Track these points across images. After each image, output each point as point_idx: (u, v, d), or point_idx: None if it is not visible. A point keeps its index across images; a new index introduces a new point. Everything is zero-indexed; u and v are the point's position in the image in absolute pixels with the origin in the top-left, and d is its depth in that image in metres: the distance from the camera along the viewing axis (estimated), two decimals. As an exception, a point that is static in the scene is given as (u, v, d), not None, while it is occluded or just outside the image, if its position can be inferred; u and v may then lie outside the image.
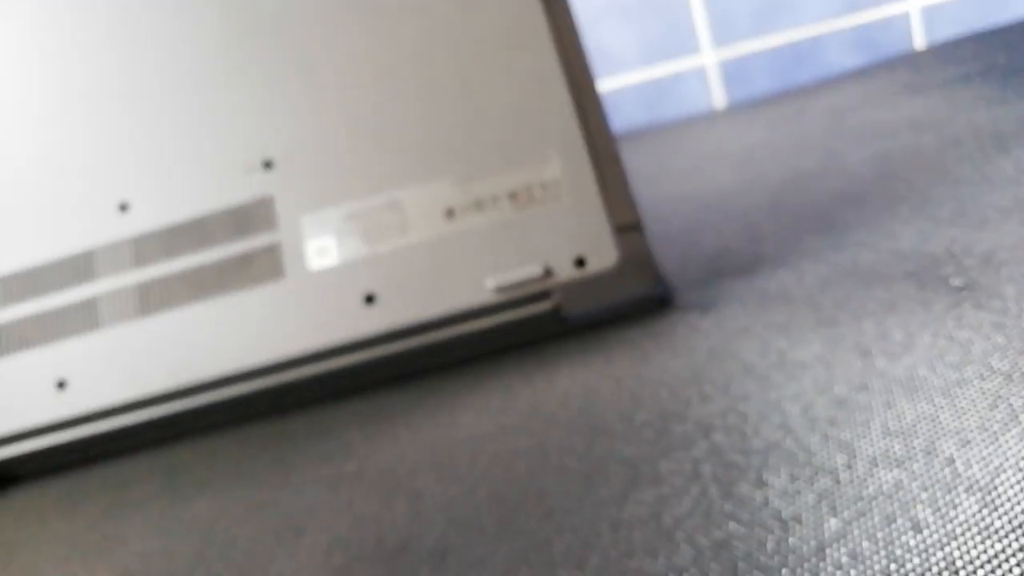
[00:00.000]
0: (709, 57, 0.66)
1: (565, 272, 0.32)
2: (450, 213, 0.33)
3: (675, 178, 0.52)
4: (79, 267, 0.35)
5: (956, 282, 0.28)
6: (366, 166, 0.35)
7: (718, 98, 0.67)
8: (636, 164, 0.57)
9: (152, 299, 0.34)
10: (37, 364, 0.34)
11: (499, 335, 0.32)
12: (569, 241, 0.32)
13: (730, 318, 0.30)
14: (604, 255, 0.32)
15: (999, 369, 0.23)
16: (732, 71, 0.66)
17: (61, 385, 0.34)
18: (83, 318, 0.35)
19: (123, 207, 0.36)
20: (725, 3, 0.64)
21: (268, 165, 0.35)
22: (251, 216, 0.35)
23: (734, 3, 0.65)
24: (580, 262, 0.32)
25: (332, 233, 0.34)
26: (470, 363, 0.33)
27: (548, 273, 0.32)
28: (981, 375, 0.23)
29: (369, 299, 0.33)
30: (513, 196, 0.33)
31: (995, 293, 0.26)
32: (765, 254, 0.35)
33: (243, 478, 0.29)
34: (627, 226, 0.32)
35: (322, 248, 0.34)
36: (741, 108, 0.65)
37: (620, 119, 0.68)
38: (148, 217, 0.36)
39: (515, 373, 0.31)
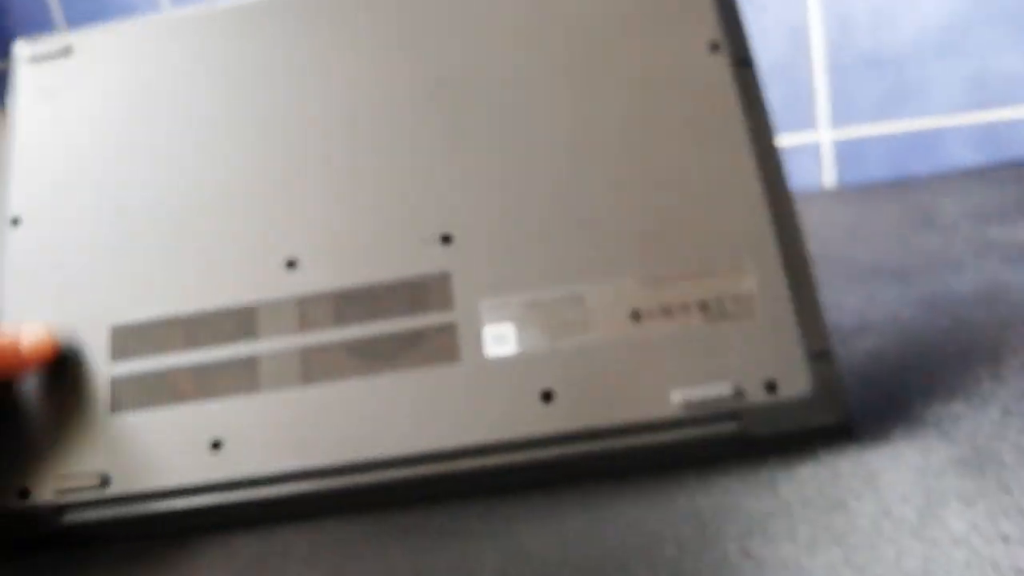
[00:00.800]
0: (826, 135, 0.66)
1: (755, 394, 0.31)
2: (636, 316, 0.32)
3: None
4: (241, 322, 0.34)
5: None
6: (550, 253, 0.34)
7: (828, 177, 0.66)
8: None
9: (316, 366, 0.33)
10: (192, 421, 0.33)
11: (678, 449, 0.31)
12: (760, 362, 0.31)
13: (922, 468, 0.29)
14: (796, 381, 0.31)
15: None
16: (847, 152, 0.65)
17: (216, 445, 0.33)
18: (243, 378, 0.34)
19: (291, 264, 0.35)
20: (850, 83, 0.63)
21: (447, 240, 0.34)
22: (427, 291, 0.34)
23: (859, 85, 0.65)
24: (771, 386, 0.31)
25: (511, 320, 0.33)
26: (646, 471, 0.32)
27: (738, 393, 0.31)
28: None
29: (547, 396, 0.32)
30: (704, 306, 0.32)
31: None
32: (943, 389, 0.34)
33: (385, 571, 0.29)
34: (820, 353, 0.31)
35: (500, 335, 0.33)
36: (853, 192, 0.64)
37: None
38: (316, 277, 0.35)
39: (698, 492, 0.30)
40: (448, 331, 0.33)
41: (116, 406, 0.34)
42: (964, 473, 0.29)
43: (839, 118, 0.65)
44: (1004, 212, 0.54)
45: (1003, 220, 0.52)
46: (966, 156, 0.65)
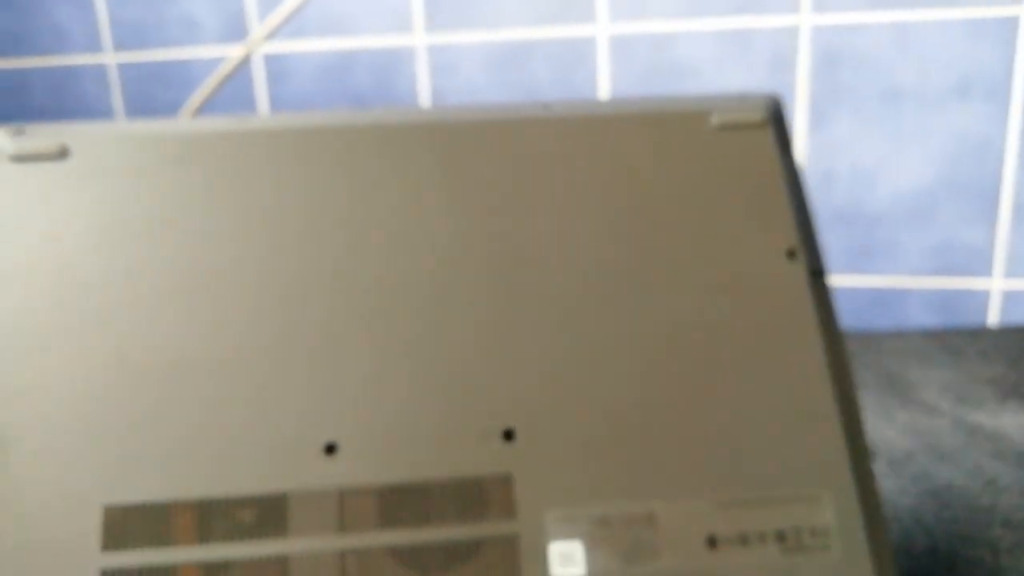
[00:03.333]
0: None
1: (831, 637, 0.30)
2: (712, 541, 0.31)
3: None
4: (269, 512, 0.30)
5: None
6: (623, 461, 0.31)
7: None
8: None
9: (356, 574, 0.29)
10: None
11: None
12: (837, 602, 0.30)
13: None
14: (872, 625, 0.30)
15: None
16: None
17: None
18: (269, 580, 0.29)
19: (330, 448, 0.31)
20: (825, 236, 0.65)
21: (509, 436, 0.31)
22: (486, 494, 0.31)
23: (833, 238, 0.67)
24: None
25: (579, 538, 0.30)
26: None
27: None
28: None
29: (617, 627, 0.29)
30: (781, 537, 0.31)
31: None
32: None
33: None
34: (894, 593, 0.31)
35: (567, 554, 0.30)
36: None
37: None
38: (358, 467, 0.31)
39: None
40: (510, 544, 0.30)
41: (105, 606, 0.29)
42: None
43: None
44: (982, 396, 0.56)
45: (983, 405, 0.54)
46: (925, 318, 0.68)
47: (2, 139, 0.35)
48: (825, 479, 0.32)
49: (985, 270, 0.64)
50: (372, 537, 0.30)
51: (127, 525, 0.30)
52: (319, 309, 0.33)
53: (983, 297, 0.67)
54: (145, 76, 0.75)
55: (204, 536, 0.30)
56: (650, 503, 0.31)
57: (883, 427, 0.52)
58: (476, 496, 0.31)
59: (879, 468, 0.47)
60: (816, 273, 0.35)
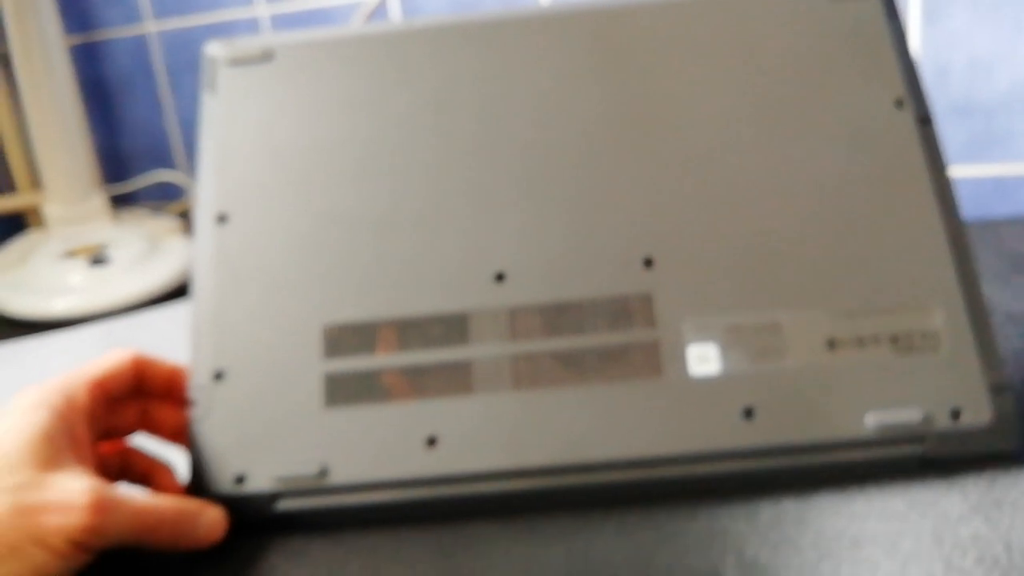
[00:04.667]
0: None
1: (941, 421, 0.34)
2: (831, 343, 0.35)
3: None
4: (455, 327, 0.37)
5: None
6: (748, 280, 0.36)
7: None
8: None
9: (526, 373, 0.36)
10: (407, 418, 0.36)
11: (869, 466, 0.34)
12: (946, 393, 0.34)
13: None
14: (979, 411, 0.34)
15: None
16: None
17: (432, 442, 0.35)
18: (456, 380, 0.36)
19: (499, 277, 0.37)
20: (942, 127, 0.67)
21: (648, 263, 0.37)
22: (630, 309, 0.36)
23: (950, 129, 0.68)
24: (955, 414, 0.34)
25: (713, 342, 0.36)
26: (825, 489, 0.35)
27: (927, 419, 0.34)
28: None
29: (748, 413, 0.34)
30: (894, 340, 0.35)
31: None
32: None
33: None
34: (1000, 386, 0.34)
35: (703, 355, 0.36)
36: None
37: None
38: (524, 291, 0.37)
39: (884, 502, 0.33)
40: (652, 347, 0.36)
41: (331, 401, 0.36)
42: None
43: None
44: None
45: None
46: (1047, 203, 0.68)
47: (216, 48, 0.43)
48: (934, 291, 0.36)
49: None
50: (538, 344, 0.36)
51: (342, 339, 0.37)
52: (489, 168, 0.39)
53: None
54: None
55: (402, 346, 0.37)
56: (775, 312, 0.36)
57: (999, 291, 0.54)
58: (622, 312, 0.36)
59: (997, 320, 0.49)
60: (923, 120, 0.38)
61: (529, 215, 0.38)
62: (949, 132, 0.68)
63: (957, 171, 0.69)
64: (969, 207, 0.68)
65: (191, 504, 0.34)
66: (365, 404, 0.36)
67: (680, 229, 0.37)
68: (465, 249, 0.38)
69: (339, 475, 0.35)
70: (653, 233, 0.37)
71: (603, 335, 0.36)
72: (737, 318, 0.36)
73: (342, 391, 0.36)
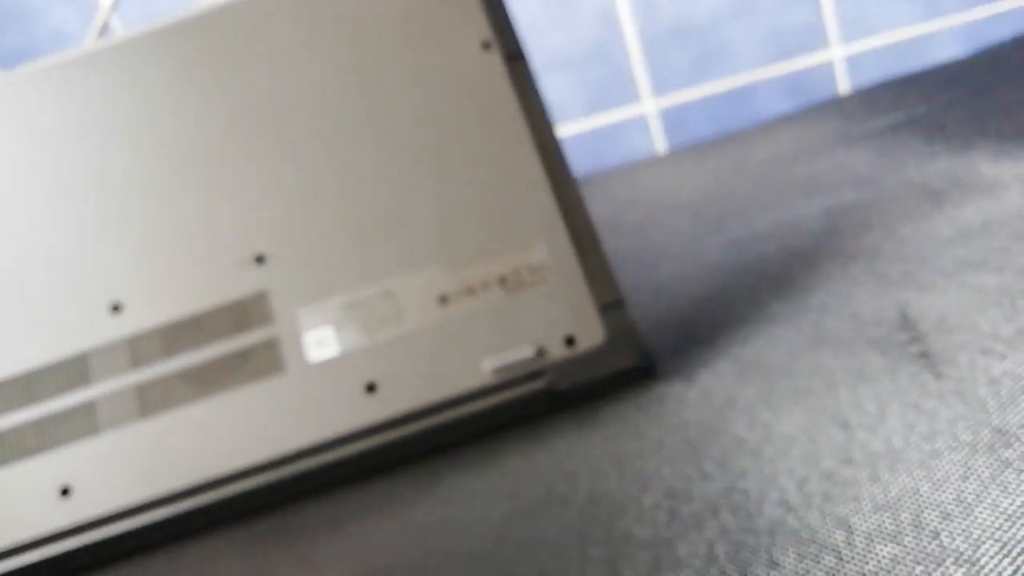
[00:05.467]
0: (650, 105, 0.70)
1: (556, 351, 0.34)
2: (444, 300, 0.35)
3: (631, 229, 0.55)
4: (74, 371, 0.36)
5: (914, 349, 0.31)
6: (357, 257, 0.36)
7: (660, 144, 0.70)
8: (589, 213, 0.60)
9: (152, 400, 0.35)
10: (39, 472, 0.34)
11: (496, 414, 0.34)
12: (558, 322, 0.34)
13: (715, 389, 0.33)
14: (592, 333, 0.34)
15: (965, 440, 0.25)
16: (672, 119, 0.70)
17: (65, 492, 0.34)
18: (83, 423, 0.35)
19: (115, 308, 0.36)
20: (663, 54, 0.68)
21: (260, 260, 0.36)
22: (247, 311, 0.36)
23: (672, 54, 0.69)
24: (570, 341, 0.34)
25: (330, 324, 0.35)
26: (471, 443, 0.35)
27: (540, 353, 0.34)
28: (950, 446, 0.25)
29: (370, 388, 0.34)
30: (503, 281, 0.35)
31: (950, 360, 0.30)
32: (735, 317, 0.38)
33: (259, 573, 0.30)
34: (611, 304, 0.35)
35: (320, 339, 0.35)
36: (682, 154, 0.68)
37: (570, 168, 0.71)
38: (141, 317, 0.36)
39: (518, 454, 0.33)
40: (271, 345, 0.35)
41: (-39, 474, 0.35)
42: (743, 384, 0.32)
43: (659, 88, 0.69)
44: (806, 151, 0.58)
45: (804, 159, 0.57)
46: (776, 105, 0.70)
47: None
48: (537, 226, 0.36)
49: (822, 43, 0.66)
50: (160, 368, 0.35)
51: None
52: (97, 198, 0.38)
53: (829, 69, 0.69)
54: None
55: (31, 400, 0.36)
56: (387, 282, 0.35)
57: (712, 199, 0.55)
58: (240, 315, 0.36)
59: (697, 229, 0.50)
60: (514, 57, 0.38)
61: (141, 238, 0.37)
62: (673, 59, 0.69)
63: (688, 95, 0.70)
64: (708, 127, 0.69)
65: None
66: (-2, 469, 0.35)
67: (287, 220, 0.37)
68: (79, 285, 0.37)
69: (-24, 548, 0.34)
70: (261, 229, 0.37)
71: (223, 343, 0.35)
72: (350, 296, 0.35)
73: (-27, 461, 0.35)
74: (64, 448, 0.35)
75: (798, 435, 0.28)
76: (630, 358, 0.34)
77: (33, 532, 0.34)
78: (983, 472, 0.24)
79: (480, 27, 0.39)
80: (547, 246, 0.35)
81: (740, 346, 0.35)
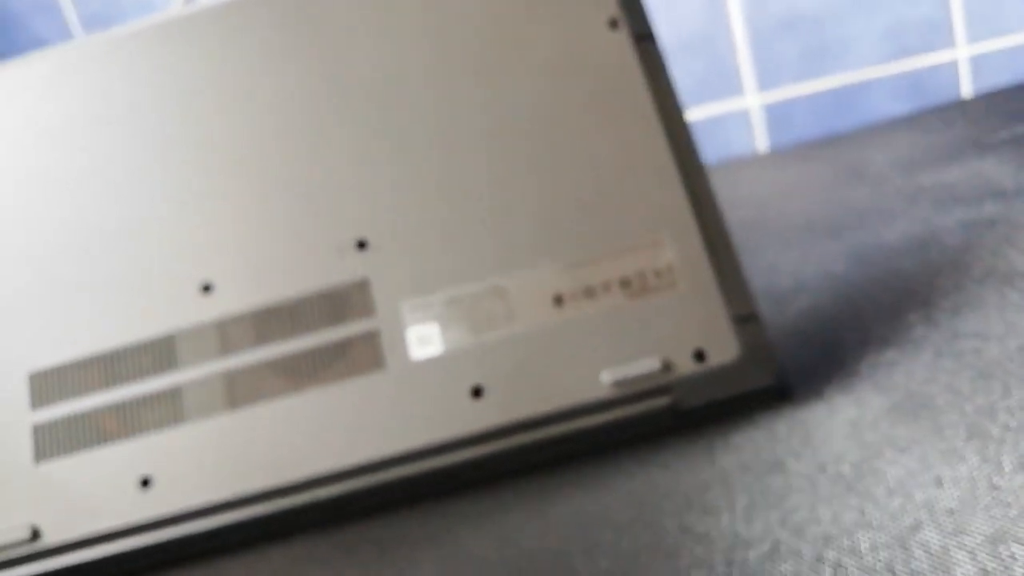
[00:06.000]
0: (753, 100, 0.66)
1: (684, 365, 0.31)
2: (559, 300, 0.32)
3: (737, 231, 0.51)
4: (160, 353, 0.33)
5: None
6: (468, 247, 0.33)
7: (761, 141, 0.66)
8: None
9: (241, 389, 0.33)
10: (119, 460, 0.32)
11: (614, 429, 0.31)
12: (687, 332, 0.31)
13: (862, 420, 0.29)
14: (724, 348, 0.31)
15: None
16: (776, 115, 0.66)
17: (145, 483, 0.32)
18: (167, 410, 0.33)
19: (206, 288, 0.34)
20: (771, 47, 0.63)
21: (362, 245, 0.34)
22: (346, 300, 0.33)
23: (780, 47, 0.65)
24: (699, 355, 0.31)
25: (434, 320, 0.32)
26: (586, 460, 0.32)
27: (667, 367, 0.31)
28: None
29: (476, 392, 0.31)
30: (625, 284, 0.32)
31: None
32: (876, 337, 0.34)
33: (355, 590, 0.28)
34: (746, 316, 0.31)
35: (424, 336, 0.32)
36: (787, 153, 0.64)
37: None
38: (233, 299, 0.34)
39: (640, 476, 0.30)
40: (371, 338, 0.32)
41: (40, 455, 0.33)
42: (898, 420, 0.29)
43: (764, 82, 0.65)
44: (933, 157, 0.54)
45: (932, 165, 0.52)
46: (891, 106, 0.65)
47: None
48: (665, 225, 0.32)
49: (947, 41, 0.61)
50: (251, 356, 0.33)
51: (49, 386, 0.34)
52: (187, 174, 0.36)
53: (952, 70, 0.64)
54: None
55: (111, 382, 0.33)
56: (498, 278, 0.32)
57: (827, 205, 0.51)
58: (338, 303, 0.33)
59: (813, 239, 0.46)
60: (643, 38, 0.35)
61: (234, 216, 0.35)
62: (784, 50, 0.65)
63: (798, 89, 0.66)
64: (813, 125, 0.65)
65: None
66: (77, 452, 0.33)
67: (392, 205, 0.34)
68: (168, 265, 0.35)
69: (52, 535, 0.32)
70: (364, 213, 0.34)
71: (320, 333, 0.33)
72: (457, 290, 0.33)
73: (52, 442, 0.33)
74: (147, 436, 0.33)
75: (973, 485, 0.25)
76: (766, 377, 0.31)
77: (109, 523, 0.32)
78: None
79: (607, 4, 0.35)
80: (676, 247, 0.32)
81: (887, 373, 0.32)
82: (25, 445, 0.33)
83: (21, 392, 0.34)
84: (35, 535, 0.32)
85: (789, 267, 0.44)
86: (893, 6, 0.61)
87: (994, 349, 0.31)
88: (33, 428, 0.33)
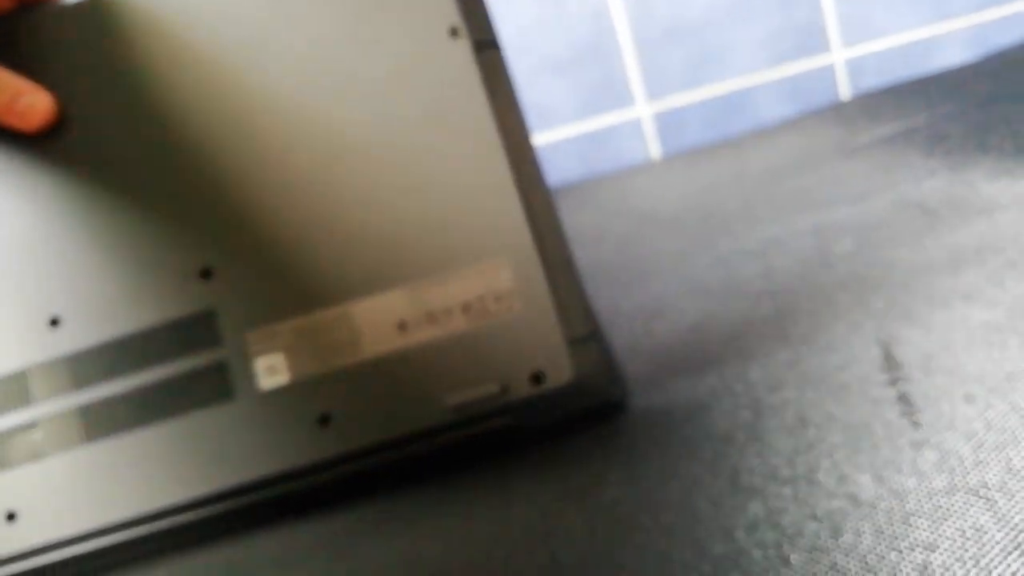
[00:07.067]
0: (644, 109, 0.68)
1: (522, 388, 0.32)
2: (403, 326, 0.33)
3: (616, 242, 0.53)
4: (13, 389, 0.34)
5: (893, 392, 0.29)
6: (313, 275, 0.34)
7: (654, 149, 0.68)
8: (575, 222, 0.58)
9: (96, 423, 0.33)
10: None
11: (456, 451, 0.32)
12: (524, 356, 0.32)
13: (685, 425, 0.31)
14: (560, 370, 0.32)
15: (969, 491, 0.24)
16: (666, 123, 0.67)
17: (11, 517, 0.32)
18: (25, 445, 0.33)
19: (54, 322, 0.34)
20: (657, 57, 0.65)
21: (207, 274, 0.34)
22: (194, 331, 0.34)
23: (666, 57, 0.67)
24: (537, 378, 0.32)
25: (281, 350, 0.33)
26: (428, 480, 0.33)
27: (505, 390, 0.32)
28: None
29: (324, 420, 0.32)
30: (466, 308, 0.33)
31: (937, 410, 0.28)
32: (714, 345, 0.36)
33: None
34: (582, 338, 0.32)
35: (271, 366, 0.33)
36: (676, 160, 0.66)
37: (556, 172, 0.68)
38: (82, 333, 0.34)
39: (474, 495, 0.31)
40: (220, 369, 0.33)
41: None
42: (716, 421, 0.30)
43: (653, 91, 0.67)
44: (804, 161, 0.56)
45: (800, 169, 0.55)
46: (777, 109, 0.67)
47: None
48: (505, 246, 0.33)
49: (823, 46, 0.63)
50: (104, 389, 0.33)
51: None
52: (35, 206, 0.36)
53: (829, 73, 0.66)
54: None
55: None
56: (339, 307, 0.33)
57: (702, 210, 0.53)
58: (186, 334, 0.34)
59: (660, 232, 0.48)
60: (484, 45, 0.35)
61: (79, 249, 0.35)
62: (668, 61, 0.67)
63: (684, 98, 0.68)
64: (704, 131, 0.67)
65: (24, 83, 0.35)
66: (-68, 494, 0.33)
67: (236, 232, 0.34)
68: (16, 300, 0.35)
69: (-94, 576, 0.32)
70: (208, 242, 0.34)
71: (170, 365, 0.34)
72: (304, 320, 0.33)
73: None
74: (8, 472, 0.33)
75: (761, 485, 0.26)
76: (600, 395, 0.32)
77: None
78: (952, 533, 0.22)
79: (448, 11, 0.35)
80: (515, 270, 0.33)
81: (716, 378, 0.33)
82: None
83: None
84: None
85: (655, 276, 0.46)
86: (769, 14, 0.63)
87: (814, 357, 0.33)
88: None
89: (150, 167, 0.35)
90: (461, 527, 0.29)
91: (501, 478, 0.32)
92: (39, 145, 0.36)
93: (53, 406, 0.34)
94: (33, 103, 0.35)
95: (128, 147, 0.36)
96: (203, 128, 0.35)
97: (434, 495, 0.32)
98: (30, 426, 0.33)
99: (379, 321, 0.33)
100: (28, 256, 0.35)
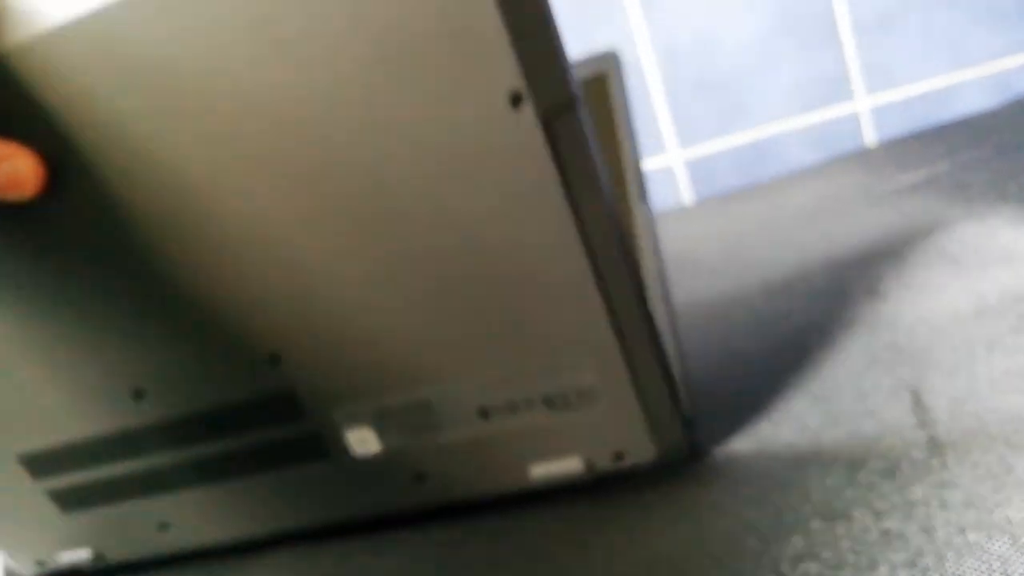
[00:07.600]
0: (676, 157, 0.71)
1: (604, 464, 0.35)
2: (484, 413, 0.35)
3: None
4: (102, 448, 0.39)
5: (923, 435, 0.32)
6: (387, 360, 0.35)
7: (686, 195, 0.71)
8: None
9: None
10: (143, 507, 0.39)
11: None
12: (607, 440, 0.34)
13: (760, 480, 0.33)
14: (643, 450, 0.34)
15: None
16: (698, 169, 0.71)
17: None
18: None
19: (138, 394, 0.37)
20: (688, 107, 0.68)
21: (275, 360, 0.35)
22: (275, 408, 0.37)
23: (697, 107, 0.70)
24: (619, 456, 0.35)
25: (368, 425, 0.36)
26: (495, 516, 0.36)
27: (588, 466, 0.35)
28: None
29: (419, 478, 0.36)
30: (548, 402, 0.34)
31: (958, 451, 0.30)
32: (767, 393, 0.39)
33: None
34: (666, 420, 0.34)
35: (361, 438, 0.36)
36: (705, 206, 0.69)
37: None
38: (161, 406, 0.37)
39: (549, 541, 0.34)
40: (311, 437, 0.37)
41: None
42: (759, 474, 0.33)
43: (685, 139, 0.70)
44: (831, 208, 0.59)
45: (827, 216, 0.58)
46: (804, 155, 0.70)
47: None
48: (583, 341, 0.32)
49: (846, 94, 0.66)
50: (191, 451, 0.38)
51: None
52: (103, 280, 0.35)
53: (854, 121, 0.69)
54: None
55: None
56: (421, 390, 0.35)
57: (736, 255, 0.56)
58: (271, 411, 0.37)
59: (698, 277, 0.51)
60: (557, 110, 0.28)
61: (159, 330, 0.36)
62: (696, 109, 0.70)
63: (714, 146, 0.71)
64: (733, 177, 0.69)
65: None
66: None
67: (304, 317, 0.34)
68: (99, 368, 0.37)
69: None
70: (277, 327, 0.35)
71: (263, 432, 0.37)
72: (384, 401, 0.36)
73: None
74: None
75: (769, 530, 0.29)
76: (676, 463, 0.35)
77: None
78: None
79: (508, 73, 0.27)
80: (596, 365, 0.33)
81: (768, 425, 0.36)
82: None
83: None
84: (99, 558, 0.38)
85: (688, 324, 0.49)
86: (795, 64, 0.67)
87: (847, 400, 0.36)
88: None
89: (212, 258, 0.34)
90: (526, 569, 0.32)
91: (577, 527, 0.34)
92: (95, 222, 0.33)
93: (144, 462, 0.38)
94: (16, 168, 0.30)
95: (194, 241, 0.33)
96: (278, 223, 0.32)
97: (498, 534, 0.35)
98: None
99: (459, 406, 0.35)
100: (119, 337, 0.37)
